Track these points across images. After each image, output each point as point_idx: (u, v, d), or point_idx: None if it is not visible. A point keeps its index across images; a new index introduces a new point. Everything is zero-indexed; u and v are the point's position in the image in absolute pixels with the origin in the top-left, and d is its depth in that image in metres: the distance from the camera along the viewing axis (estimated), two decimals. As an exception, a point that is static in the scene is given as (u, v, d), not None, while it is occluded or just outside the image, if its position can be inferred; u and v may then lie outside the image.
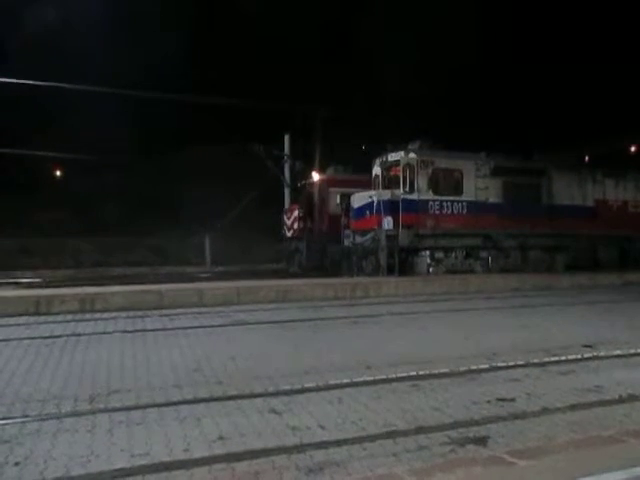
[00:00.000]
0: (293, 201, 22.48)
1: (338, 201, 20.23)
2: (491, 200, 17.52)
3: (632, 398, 5.01)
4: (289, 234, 21.33)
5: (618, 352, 6.86)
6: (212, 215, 27.78)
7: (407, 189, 16.50)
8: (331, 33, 36.95)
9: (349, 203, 17.65)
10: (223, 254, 26.90)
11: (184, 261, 27.36)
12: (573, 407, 4.72)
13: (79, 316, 10.15)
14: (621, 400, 4.97)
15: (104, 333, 8.42)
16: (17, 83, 20.57)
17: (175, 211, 31.03)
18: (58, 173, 38.02)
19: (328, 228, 20.08)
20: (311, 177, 21.24)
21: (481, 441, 3.95)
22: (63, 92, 22.80)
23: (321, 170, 21.30)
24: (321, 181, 20.83)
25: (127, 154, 32.90)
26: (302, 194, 21.91)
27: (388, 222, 16.11)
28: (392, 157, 17.25)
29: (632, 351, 6.91)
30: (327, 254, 19.81)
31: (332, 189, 20.50)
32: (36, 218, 30.44)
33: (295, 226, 20.87)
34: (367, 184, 19.02)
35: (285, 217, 21.74)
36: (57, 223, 30.54)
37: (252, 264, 24.70)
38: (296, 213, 20.98)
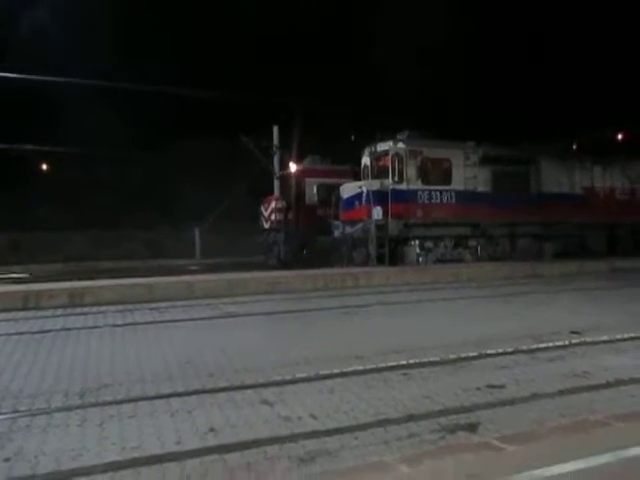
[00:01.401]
0: (268, 193, 22.19)
1: (315, 192, 20.20)
2: (480, 189, 17.57)
3: (619, 383, 5.08)
4: (266, 226, 20.87)
5: (605, 338, 6.93)
6: (202, 207, 27.65)
7: (396, 179, 16.50)
8: (324, 26, 36.75)
9: (338, 194, 17.63)
10: (213, 246, 26.82)
11: (174, 254, 27.25)
12: (561, 392, 4.78)
13: (69, 310, 10.08)
14: (608, 385, 5.03)
15: (94, 327, 8.38)
16: (6, 77, 20.25)
17: (165, 204, 30.88)
18: (47, 167, 37.59)
19: (305, 219, 19.89)
20: (289, 168, 21.07)
21: (471, 427, 3.99)
22: (54, 85, 22.49)
23: (298, 161, 21.12)
24: (298, 172, 20.52)
25: (118, 147, 32.62)
26: (283, 185, 21.70)
27: (377, 212, 16.12)
28: (381, 147, 17.23)
29: (619, 336, 6.98)
30: (305, 246, 19.66)
31: (309, 179, 20.33)
32: (25, 212, 30.15)
33: (272, 217, 20.45)
34: (345, 175, 19.07)
35: (262, 208, 21.18)
36: (47, 217, 30.29)
37: (242, 256, 24.63)
38: (273, 204, 20.55)
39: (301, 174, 20.49)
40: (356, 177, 18.59)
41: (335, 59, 34.50)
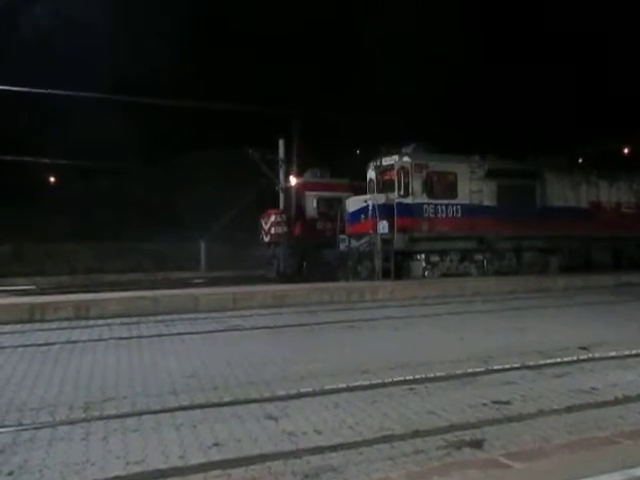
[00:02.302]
0: (273, 205, 22.27)
1: (315, 205, 20.29)
2: (485, 203, 17.56)
3: (627, 399, 5.03)
4: (266, 239, 20.86)
5: (613, 354, 6.88)
6: (208, 220, 27.74)
7: (402, 193, 16.52)
8: (327, 35, 37.12)
9: (343, 207, 17.66)
10: (218, 259, 26.85)
11: (179, 267, 27.29)
12: (568, 409, 4.73)
13: (74, 323, 10.10)
14: (616, 401, 4.98)
15: (99, 340, 8.38)
16: (13, 90, 20.46)
17: (171, 216, 30.98)
18: (54, 179, 37.86)
19: (305, 232, 19.89)
20: (289, 181, 21.17)
21: (477, 444, 3.95)
22: (60, 98, 22.73)
23: (299, 174, 21.22)
24: (298, 185, 20.65)
25: (122, 159, 32.84)
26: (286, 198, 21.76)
27: (383, 226, 16.11)
28: (386, 161, 17.27)
29: (627, 352, 6.93)
30: (306, 259, 19.64)
31: (308, 193, 20.45)
32: (31, 224, 30.31)
33: (272, 231, 20.44)
34: (345, 188, 19.13)
35: (262, 222, 21.14)
36: (52, 229, 30.42)
37: (247, 269, 24.62)
38: (273, 218, 20.56)
39: (301, 187, 20.60)
40: (355, 190, 18.64)
41: (339, 69, 34.76)
